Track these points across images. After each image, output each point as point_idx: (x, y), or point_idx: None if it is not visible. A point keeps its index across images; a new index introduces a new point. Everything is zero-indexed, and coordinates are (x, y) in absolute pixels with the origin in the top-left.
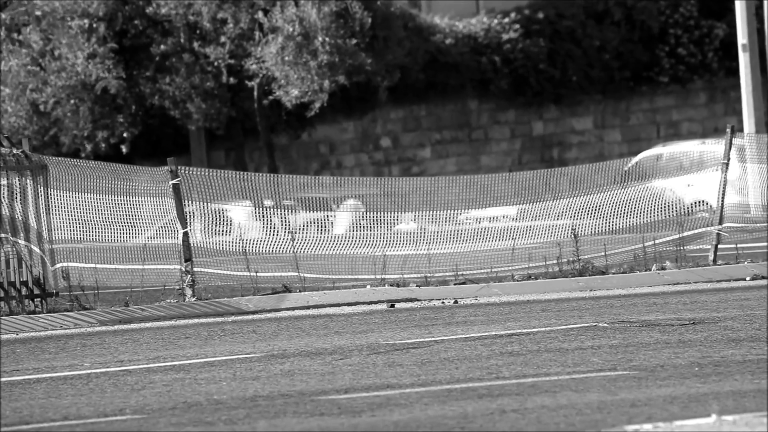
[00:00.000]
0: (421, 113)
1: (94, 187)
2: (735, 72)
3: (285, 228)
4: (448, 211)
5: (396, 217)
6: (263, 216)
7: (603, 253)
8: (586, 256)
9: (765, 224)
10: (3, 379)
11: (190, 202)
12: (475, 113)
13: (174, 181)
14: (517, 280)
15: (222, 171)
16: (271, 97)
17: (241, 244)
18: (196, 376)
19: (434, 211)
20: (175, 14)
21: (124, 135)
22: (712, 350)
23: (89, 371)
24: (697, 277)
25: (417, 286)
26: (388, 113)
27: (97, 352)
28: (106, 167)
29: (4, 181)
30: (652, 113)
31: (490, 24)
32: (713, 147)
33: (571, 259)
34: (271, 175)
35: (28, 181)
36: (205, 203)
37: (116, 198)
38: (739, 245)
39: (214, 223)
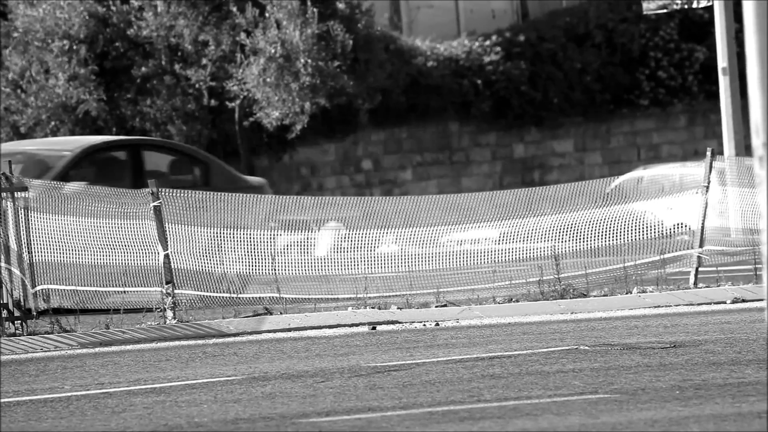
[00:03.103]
0: (402, 135)
1: (74, 209)
2: (715, 95)
3: (266, 249)
4: (430, 231)
5: (377, 238)
6: (245, 238)
7: (584, 276)
8: (565, 275)
9: (745, 248)
10: None
11: (171, 224)
12: (456, 135)
13: (155, 203)
14: (499, 303)
15: (203, 193)
16: (251, 119)
17: (222, 266)
18: (177, 399)
19: (416, 233)
20: (156, 36)
21: None
22: (693, 373)
23: (70, 394)
24: (677, 300)
25: (398, 308)
26: (370, 135)
27: (77, 374)
28: (87, 189)
29: None
30: (632, 136)
31: (472, 46)
32: (694, 170)
33: (552, 281)
34: (252, 196)
35: (8, 203)
36: (187, 225)
37: (97, 220)
38: (719, 268)
39: (195, 245)
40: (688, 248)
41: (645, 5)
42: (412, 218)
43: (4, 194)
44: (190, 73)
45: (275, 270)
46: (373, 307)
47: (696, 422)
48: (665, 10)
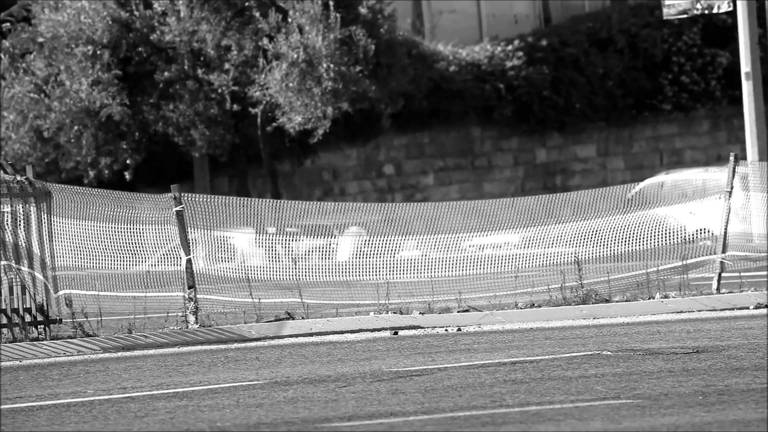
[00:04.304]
0: (425, 140)
1: (97, 215)
2: (738, 100)
3: (288, 255)
4: (451, 236)
5: (399, 243)
6: (266, 243)
7: (606, 281)
8: (588, 281)
9: None
10: (6, 407)
11: (193, 229)
12: (479, 140)
13: (177, 208)
14: (521, 308)
15: (225, 198)
16: (274, 124)
17: (244, 271)
18: (200, 404)
19: (437, 238)
20: (179, 41)
21: (128, 162)
22: (716, 379)
23: (93, 398)
24: (700, 306)
25: (420, 313)
26: (392, 140)
27: (100, 379)
28: (110, 194)
29: (8, 208)
30: (655, 141)
31: (494, 51)
32: (716, 175)
33: (574, 286)
34: (274, 201)
35: (31, 207)
36: (209, 230)
37: (119, 225)
38: (742, 274)
39: (218, 250)
40: (710, 254)
41: (665, 11)
42: (433, 224)
43: (27, 199)
44: (212, 78)
45: (297, 275)
46: (394, 312)
47: (719, 428)
48: (686, 16)
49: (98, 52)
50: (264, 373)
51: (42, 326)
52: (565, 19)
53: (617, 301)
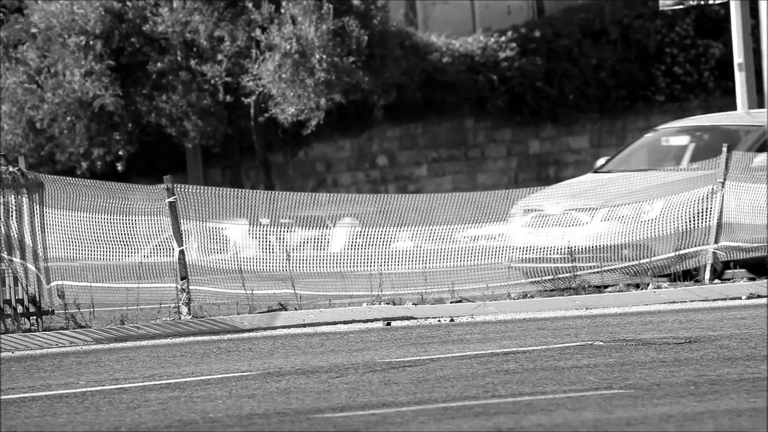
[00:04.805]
0: (418, 131)
1: (89, 206)
2: (731, 91)
3: (281, 246)
4: (445, 228)
5: (392, 235)
6: (259, 234)
7: (599, 271)
8: (581, 273)
9: (761, 243)
10: None
11: (186, 220)
12: (472, 132)
13: (170, 199)
14: (513, 299)
15: (218, 189)
16: (267, 115)
17: (237, 262)
18: (192, 395)
19: (431, 229)
20: (172, 32)
21: (120, 153)
22: (708, 369)
23: (85, 389)
24: (693, 296)
25: (413, 304)
26: (385, 132)
27: (92, 370)
28: (102, 185)
29: (1, 199)
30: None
31: (487, 42)
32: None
33: (567, 277)
34: (268, 192)
35: (24, 199)
36: (202, 221)
37: (112, 216)
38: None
39: (210, 241)
40: (703, 244)
41: (662, 2)
42: (427, 215)
43: (20, 190)
44: (205, 69)
45: (290, 266)
46: (387, 303)
47: (711, 417)
48: (681, 6)
49: (91, 43)
50: (256, 364)
51: (34, 317)
52: (559, 11)
53: (610, 292)
